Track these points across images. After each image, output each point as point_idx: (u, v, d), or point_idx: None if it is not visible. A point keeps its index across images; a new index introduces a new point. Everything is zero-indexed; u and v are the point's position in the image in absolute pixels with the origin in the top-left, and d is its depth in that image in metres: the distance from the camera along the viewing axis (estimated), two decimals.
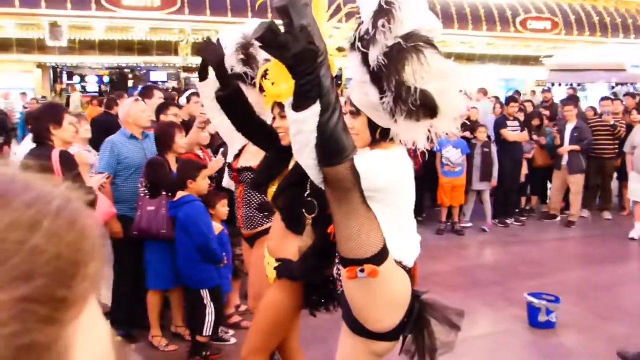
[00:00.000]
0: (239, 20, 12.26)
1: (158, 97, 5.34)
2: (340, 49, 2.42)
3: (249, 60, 3.26)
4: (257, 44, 3.18)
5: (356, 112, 2.08)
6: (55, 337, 0.46)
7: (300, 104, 1.83)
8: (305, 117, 1.82)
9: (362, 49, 1.91)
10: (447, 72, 1.93)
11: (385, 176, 2.00)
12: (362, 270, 1.96)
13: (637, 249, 7.07)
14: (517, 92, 11.12)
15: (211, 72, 3.42)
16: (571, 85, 15.23)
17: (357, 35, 1.95)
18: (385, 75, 1.87)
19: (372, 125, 2.07)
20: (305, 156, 1.90)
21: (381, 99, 1.92)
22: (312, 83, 1.78)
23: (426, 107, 1.90)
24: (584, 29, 17.82)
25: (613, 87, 17.79)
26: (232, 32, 3.43)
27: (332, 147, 1.85)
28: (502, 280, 5.79)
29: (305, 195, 2.61)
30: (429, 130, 2.04)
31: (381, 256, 1.97)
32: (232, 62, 3.30)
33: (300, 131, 1.86)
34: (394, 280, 2.04)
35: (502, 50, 17.19)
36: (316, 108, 1.80)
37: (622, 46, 17.40)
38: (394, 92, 1.87)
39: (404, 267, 2.09)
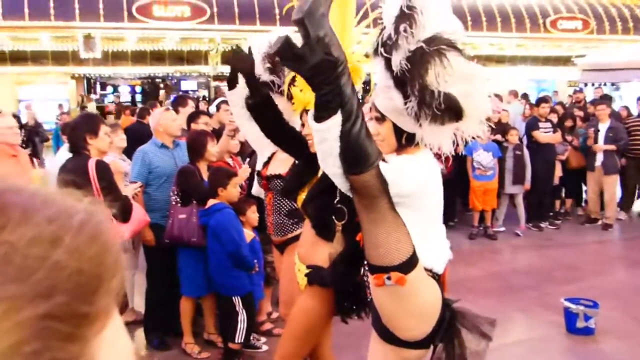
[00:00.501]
0: (267, 28, 12.34)
1: (191, 106, 5.44)
2: (367, 55, 2.42)
3: (275, 68, 3.27)
4: None
5: (381, 118, 2.07)
6: (77, 354, 0.45)
7: (321, 114, 1.82)
8: (328, 126, 1.81)
9: (385, 54, 1.91)
10: (472, 75, 1.92)
11: (413, 181, 1.98)
12: (389, 278, 1.94)
13: None
14: (548, 95, 10.90)
15: (240, 80, 3.46)
16: (599, 84, 14.89)
17: (379, 41, 1.94)
18: (409, 80, 1.87)
19: (398, 131, 2.06)
20: (330, 165, 1.90)
21: (405, 103, 1.91)
22: (332, 93, 1.77)
23: (451, 110, 1.88)
24: (617, 28, 17.43)
25: None
26: (259, 40, 3.46)
27: (356, 155, 1.84)
28: (537, 285, 5.68)
29: (335, 201, 2.61)
30: (454, 134, 2.02)
31: (409, 264, 1.95)
32: (259, 71, 3.33)
33: (324, 140, 1.85)
34: (423, 289, 2.01)
35: (533, 51, 16.93)
36: (338, 118, 1.79)
37: None
38: (417, 96, 1.86)
39: (434, 274, 2.07)
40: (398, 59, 1.87)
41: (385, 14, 1.94)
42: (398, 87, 1.92)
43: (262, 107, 3.16)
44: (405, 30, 1.85)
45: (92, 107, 12.54)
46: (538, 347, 4.40)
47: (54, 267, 0.44)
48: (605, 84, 16.53)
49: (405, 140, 2.06)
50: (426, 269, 2.02)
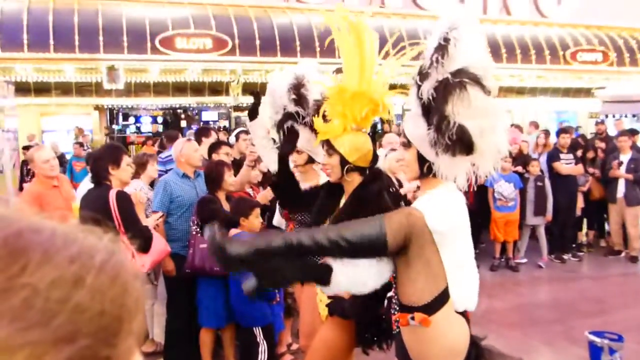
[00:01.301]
0: (287, 59, 12.54)
1: (213, 137, 5.51)
2: (395, 87, 2.49)
3: (300, 99, 3.34)
4: (308, 84, 3.33)
5: (407, 144, 2.12)
6: None
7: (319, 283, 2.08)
8: (334, 284, 2.02)
9: (418, 82, 1.99)
10: (489, 111, 1.94)
11: (448, 219, 2.02)
12: (413, 318, 1.93)
13: None
14: (569, 126, 10.82)
15: (260, 111, 3.56)
16: (620, 116, 14.79)
17: (418, 70, 2.02)
18: (433, 109, 1.93)
19: (421, 159, 2.09)
20: (370, 283, 2.06)
21: (428, 131, 1.97)
22: (267, 276, 2.03)
23: (462, 143, 1.91)
24: (637, 59, 17.36)
25: None
26: (282, 74, 3.55)
27: (365, 254, 1.99)
28: (562, 317, 5.57)
29: None
30: (472, 170, 2.06)
31: (435, 304, 1.95)
32: (284, 102, 3.39)
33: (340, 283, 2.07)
34: (450, 329, 1.99)
35: (553, 82, 16.88)
36: (328, 276, 2.01)
37: None
38: (436, 124, 1.92)
39: (464, 313, 2.06)
40: (426, 88, 1.94)
41: (428, 45, 2.02)
42: (424, 115, 1.98)
43: (283, 187, 3.31)
44: (437, 61, 1.92)
45: (86, 140, 12.52)
46: None
47: (75, 310, 0.43)
48: (626, 116, 16.41)
49: (426, 169, 2.09)
50: (459, 312, 2.02)
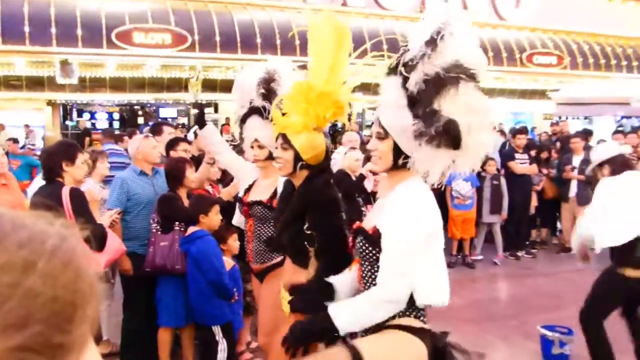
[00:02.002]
0: (248, 56, 12.48)
1: (168, 133, 5.38)
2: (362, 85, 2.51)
3: (269, 94, 3.33)
4: (279, 79, 3.33)
5: (384, 135, 2.08)
6: None
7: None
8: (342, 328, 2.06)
9: (405, 73, 1.97)
10: (478, 108, 1.95)
11: (433, 217, 2.08)
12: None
13: None
14: (524, 127, 11.09)
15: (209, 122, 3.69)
16: (573, 118, 15.28)
17: (401, 60, 2.00)
18: (421, 101, 1.93)
19: (397, 150, 2.07)
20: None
21: (413, 123, 1.96)
22: None
23: (449, 136, 1.91)
24: (589, 64, 17.95)
25: (618, 121, 17.82)
26: (253, 68, 3.55)
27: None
28: (517, 313, 5.71)
29: (305, 228, 2.62)
30: (450, 166, 2.06)
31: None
32: (252, 96, 3.38)
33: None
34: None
35: (510, 84, 17.29)
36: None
37: (627, 80, 17.50)
38: (424, 116, 1.92)
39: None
40: (415, 80, 1.93)
41: (413, 37, 2.01)
42: (410, 106, 1.97)
43: None
44: (428, 54, 1.92)
45: (3, 136, 11.88)
46: None
47: (26, 295, 0.41)
48: (578, 118, 16.92)
49: (401, 162, 2.07)
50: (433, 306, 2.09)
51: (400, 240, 1.97)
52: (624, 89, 16.51)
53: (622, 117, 18.32)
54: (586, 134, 8.78)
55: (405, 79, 1.96)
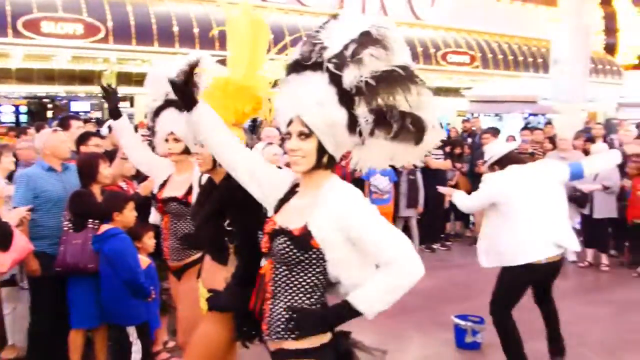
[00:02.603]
0: (166, 49, 12.16)
1: (76, 127, 5.12)
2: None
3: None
4: (199, 72, 3.24)
5: (307, 134, 1.99)
6: None
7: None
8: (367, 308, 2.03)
9: (335, 70, 1.91)
10: (427, 106, 1.96)
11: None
12: None
13: (567, 268, 7.35)
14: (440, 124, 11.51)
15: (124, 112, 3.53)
16: (485, 115, 16.03)
17: (324, 56, 1.94)
18: (368, 97, 1.89)
19: (321, 149, 2.01)
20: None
21: (351, 120, 1.92)
22: None
23: (415, 131, 1.93)
24: (499, 63, 18.84)
25: (526, 118, 18.85)
26: (171, 62, 3.45)
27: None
28: (431, 304, 5.91)
29: (226, 224, 2.60)
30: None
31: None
32: (167, 89, 3.29)
33: None
34: None
35: (426, 82, 17.86)
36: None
37: (533, 80, 18.54)
38: (377, 113, 1.89)
39: None
40: (354, 76, 1.89)
41: (334, 34, 1.97)
42: (343, 103, 1.92)
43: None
44: (377, 52, 1.90)
45: None
46: None
47: None
48: (490, 115, 17.73)
49: (326, 160, 2.02)
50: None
51: (375, 214, 1.97)
52: (531, 88, 17.49)
53: (530, 115, 19.39)
54: (495, 131, 9.19)
55: (334, 75, 1.91)
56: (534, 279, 4.24)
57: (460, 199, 4.62)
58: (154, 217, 3.70)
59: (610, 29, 23.19)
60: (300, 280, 2.02)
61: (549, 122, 13.08)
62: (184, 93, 2.29)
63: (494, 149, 4.49)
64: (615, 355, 4.67)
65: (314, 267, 2.00)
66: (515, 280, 4.21)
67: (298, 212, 2.06)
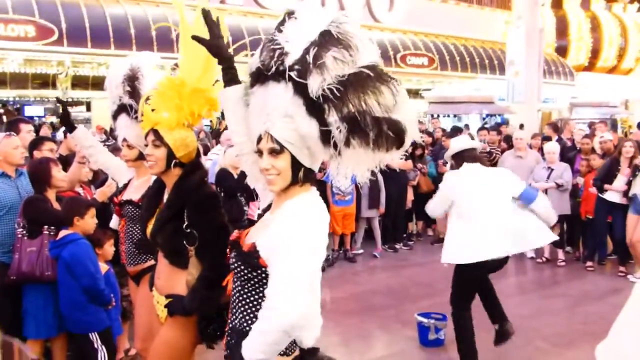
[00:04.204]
0: (122, 52, 11.93)
1: (26, 132, 4.94)
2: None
3: (134, 93, 3.20)
4: (141, 78, 3.18)
5: (279, 150, 1.84)
6: None
7: None
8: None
9: (297, 79, 1.76)
10: (402, 106, 1.79)
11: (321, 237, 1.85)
12: None
13: (526, 264, 7.58)
14: None
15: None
16: (444, 115, 16.28)
17: (285, 64, 1.80)
18: (339, 104, 1.72)
19: (296, 164, 1.85)
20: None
21: (323, 130, 1.76)
22: None
23: (395, 136, 1.76)
24: (457, 66, 19.19)
25: (484, 118, 19.26)
26: (118, 63, 3.40)
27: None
28: (395, 303, 5.97)
29: (184, 226, 2.56)
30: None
31: None
32: (120, 93, 3.25)
33: None
34: None
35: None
36: None
37: (490, 81, 18.97)
38: (350, 120, 1.72)
39: None
40: (319, 83, 1.73)
41: (292, 39, 1.82)
42: (312, 113, 1.76)
43: None
44: (340, 54, 1.74)
45: None
46: None
47: None
48: (448, 115, 18.04)
49: (303, 175, 1.87)
50: None
51: (299, 253, 1.75)
52: (488, 89, 17.89)
53: (487, 115, 19.81)
54: (456, 131, 9.35)
55: (298, 84, 1.76)
56: (483, 274, 4.31)
57: (427, 205, 4.65)
58: (115, 221, 3.63)
59: (562, 32, 23.90)
60: (252, 299, 1.88)
61: (504, 123, 13.38)
62: (219, 47, 2.19)
63: (454, 144, 4.55)
64: (572, 346, 4.81)
65: (265, 286, 1.82)
66: (466, 277, 4.28)
67: (262, 227, 1.95)
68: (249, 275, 1.86)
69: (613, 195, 6.97)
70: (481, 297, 4.46)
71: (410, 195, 8.59)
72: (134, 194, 3.37)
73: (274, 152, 1.84)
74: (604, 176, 7.03)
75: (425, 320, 4.84)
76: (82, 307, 3.57)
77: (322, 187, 7.56)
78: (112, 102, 3.45)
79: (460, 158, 4.39)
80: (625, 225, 6.83)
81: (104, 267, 3.84)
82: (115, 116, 3.40)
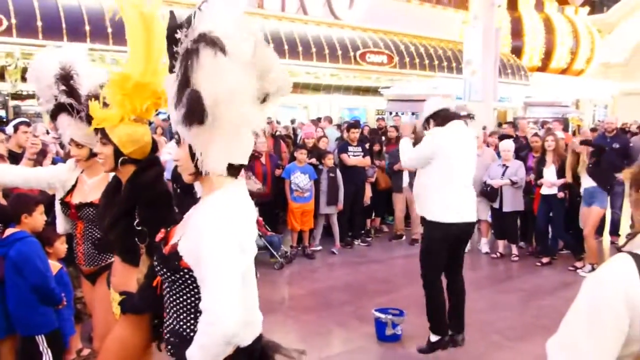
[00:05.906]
0: (77, 44, 11.57)
1: None
2: None
3: (72, 91, 3.07)
4: (76, 76, 3.01)
5: (178, 139, 1.85)
6: None
7: None
8: None
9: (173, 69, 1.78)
10: (229, 78, 1.70)
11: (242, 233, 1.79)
12: None
13: (481, 259, 7.72)
14: (357, 121, 11.68)
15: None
16: (402, 113, 16.50)
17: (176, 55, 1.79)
18: (180, 83, 1.73)
19: (192, 154, 1.81)
20: None
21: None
22: None
23: (192, 110, 1.70)
24: (415, 64, 19.41)
25: None
26: (44, 59, 3.20)
27: None
28: (353, 299, 6.00)
29: (135, 224, 2.52)
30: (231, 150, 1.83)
31: None
32: (54, 92, 3.10)
33: None
34: None
35: (345, 80, 18.13)
36: None
37: (448, 80, 19.24)
38: (177, 95, 1.73)
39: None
40: (177, 69, 1.74)
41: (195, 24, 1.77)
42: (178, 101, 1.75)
43: None
44: (186, 35, 1.73)
45: None
46: (354, 357, 4.65)
47: None
48: (406, 113, 18.23)
49: (198, 166, 1.81)
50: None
51: (221, 247, 1.70)
52: (446, 87, 18.14)
53: None
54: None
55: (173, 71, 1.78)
56: (450, 235, 4.28)
57: (406, 146, 4.62)
58: (62, 225, 3.43)
59: (517, 33, 24.44)
60: (182, 300, 1.83)
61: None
62: None
63: (428, 106, 4.53)
64: (525, 339, 4.93)
65: (191, 288, 1.79)
66: (438, 237, 4.27)
67: (184, 224, 1.88)
68: (173, 277, 1.82)
69: (545, 188, 7.37)
70: (450, 297, 4.49)
71: (368, 192, 8.64)
72: (91, 195, 3.25)
73: (178, 143, 1.86)
74: (536, 172, 7.48)
75: (382, 315, 4.88)
76: (31, 307, 3.45)
77: (281, 184, 7.56)
78: (44, 100, 3.26)
79: (439, 118, 4.40)
80: (562, 219, 7.36)
81: (55, 266, 3.73)
82: (53, 116, 3.25)
